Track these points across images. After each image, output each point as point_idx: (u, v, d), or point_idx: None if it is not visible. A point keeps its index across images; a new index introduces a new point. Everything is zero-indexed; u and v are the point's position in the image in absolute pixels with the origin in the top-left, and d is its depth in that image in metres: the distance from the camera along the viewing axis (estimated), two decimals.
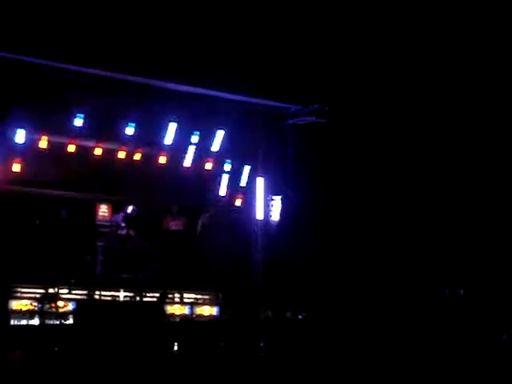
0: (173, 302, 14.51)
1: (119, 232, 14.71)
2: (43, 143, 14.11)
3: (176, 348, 12.78)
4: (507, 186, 15.89)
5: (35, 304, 13.07)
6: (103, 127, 14.42)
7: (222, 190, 15.90)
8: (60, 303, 13.16)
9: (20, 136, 13.80)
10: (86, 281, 13.98)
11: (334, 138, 15.87)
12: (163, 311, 14.04)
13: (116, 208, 15.29)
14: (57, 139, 14.33)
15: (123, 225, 14.75)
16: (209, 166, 15.59)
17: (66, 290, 13.59)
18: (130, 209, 14.83)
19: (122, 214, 14.89)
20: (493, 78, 15.74)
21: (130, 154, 14.93)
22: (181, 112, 14.84)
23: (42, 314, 12.98)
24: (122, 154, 14.82)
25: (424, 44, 15.60)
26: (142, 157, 14.99)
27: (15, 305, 13.08)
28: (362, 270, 15.41)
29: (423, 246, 15.85)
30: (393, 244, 15.78)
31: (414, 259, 15.72)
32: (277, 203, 15.96)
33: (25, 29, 12.78)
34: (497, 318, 13.80)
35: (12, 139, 13.80)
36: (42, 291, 13.30)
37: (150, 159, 15.16)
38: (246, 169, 16.01)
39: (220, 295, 15.04)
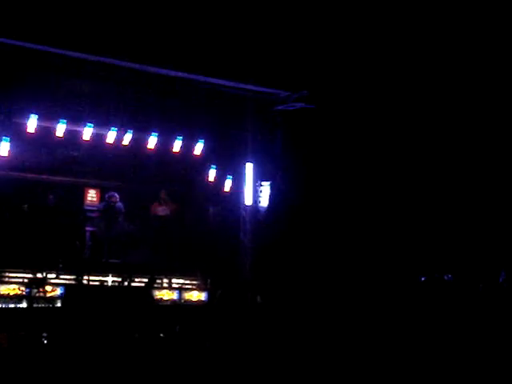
0: (161, 287, 14.55)
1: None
2: (31, 128, 14.05)
3: (163, 333, 12.81)
4: (490, 172, 15.95)
5: (23, 289, 13.09)
6: (92, 112, 14.41)
7: (211, 176, 15.88)
8: (48, 288, 13.19)
9: (7, 120, 13.77)
10: (74, 266, 13.98)
11: (323, 124, 15.87)
12: (151, 296, 14.09)
13: (104, 193, 15.30)
14: (45, 123, 14.28)
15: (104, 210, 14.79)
16: (197, 151, 15.56)
17: (53, 275, 13.60)
18: (108, 195, 14.85)
19: (104, 202, 14.93)
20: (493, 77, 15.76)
21: (118, 139, 14.89)
22: (168, 97, 14.81)
23: (29, 298, 13.01)
24: (110, 139, 14.76)
25: (415, 30, 15.56)
26: (130, 142, 14.94)
27: (3, 289, 13.09)
28: (348, 255, 15.45)
29: (410, 234, 15.90)
30: (380, 230, 15.83)
31: (398, 245, 15.78)
32: (265, 189, 15.99)
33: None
34: (479, 303, 13.88)
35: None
36: (29, 276, 13.30)
37: (138, 144, 15.12)
38: (235, 154, 16.00)
39: (208, 280, 15.09)
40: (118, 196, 14.95)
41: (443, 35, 15.54)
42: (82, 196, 15.44)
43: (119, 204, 14.96)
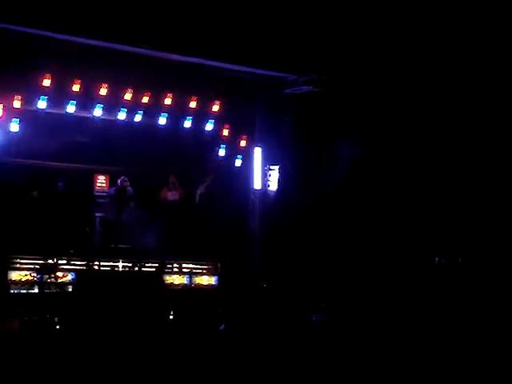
0: (171, 272, 14.61)
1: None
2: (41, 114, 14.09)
3: (173, 317, 12.89)
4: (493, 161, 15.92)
5: (34, 275, 13.19)
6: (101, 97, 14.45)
7: (220, 160, 15.88)
8: (59, 273, 13.29)
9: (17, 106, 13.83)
10: (85, 251, 14.06)
11: (331, 107, 15.83)
12: (162, 281, 14.16)
13: (113, 179, 15.32)
14: (54, 110, 14.32)
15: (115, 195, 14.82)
16: (206, 136, 15.53)
17: (64, 261, 13.68)
18: (121, 180, 14.86)
19: (114, 187, 14.95)
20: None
21: (127, 124, 14.92)
22: (178, 81, 14.81)
23: (41, 284, 13.11)
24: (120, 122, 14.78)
25: (424, 14, 15.48)
26: (139, 127, 14.96)
27: (15, 275, 13.18)
28: (357, 240, 15.46)
29: (414, 217, 15.89)
30: (388, 215, 15.82)
31: (404, 228, 15.78)
32: (274, 173, 16.00)
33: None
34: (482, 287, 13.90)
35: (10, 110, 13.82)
36: (41, 262, 13.38)
37: (147, 130, 15.15)
38: (244, 138, 16.00)
39: (219, 265, 15.13)
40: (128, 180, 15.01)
41: (452, 22, 15.46)
42: (92, 182, 15.43)
43: (130, 188, 15.00)
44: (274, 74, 15.72)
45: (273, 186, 16.02)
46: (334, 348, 11.35)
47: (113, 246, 14.50)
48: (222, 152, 15.86)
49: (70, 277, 13.46)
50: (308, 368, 10.50)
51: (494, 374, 10.33)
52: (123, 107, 14.59)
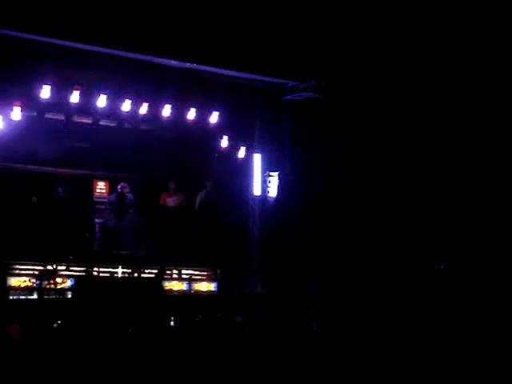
0: (171, 278, 14.58)
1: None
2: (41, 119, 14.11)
3: (173, 323, 12.83)
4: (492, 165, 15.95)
5: (33, 281, 13.15)
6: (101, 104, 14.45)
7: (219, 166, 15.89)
8: (58, 279, 13.25)
9: (16, 112, 13.81)
10: (84, 257, 14.03)
11: (331, 114, 15.84)
12: (161, 287, 14.10)
13: (113, 185, 15.32)
14: (54, 116, 14.33)
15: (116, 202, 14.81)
16: (207, 134, 15.52)
17: (64, 267, 13.65)
18: (121, 186, 14.85)
19: (115, 193, 14.94)
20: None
21: (127, 130, 14.93)
22: (177, 87, 14.83)
23: (40, 290, 13.06)
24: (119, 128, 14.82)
25: (423, 21, 15.51)
26: (140, 133, 14.99)
27: (14, 282, 13.15)
28: (357, 245, 15.46)
29: (413, 223, 15.91)
30: (387, 220, 15.83)
31: (404, 234, 15.80)
32: (274, 179, 16.01)
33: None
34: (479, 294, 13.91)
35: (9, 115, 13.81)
36: (40, 268, 13.36)
37: (148, 136, 15.17)
38: (243, 145, 16.01)
39: (218, 271, 15.11)
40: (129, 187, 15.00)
41: (451, 30, 15.50)
42: (91, 188, 15.45)
43: (130, 195, 14.99)
44: (273, 80, 15.73)
45: (272, 192, 16.03)
46: (333, 352, 11.34)
47: (112, 252, 14.47)
48: (221, 158, 15.88)
49: (69, 283, 13.43)
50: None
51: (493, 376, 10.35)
52: (123, 113, 14.65)
